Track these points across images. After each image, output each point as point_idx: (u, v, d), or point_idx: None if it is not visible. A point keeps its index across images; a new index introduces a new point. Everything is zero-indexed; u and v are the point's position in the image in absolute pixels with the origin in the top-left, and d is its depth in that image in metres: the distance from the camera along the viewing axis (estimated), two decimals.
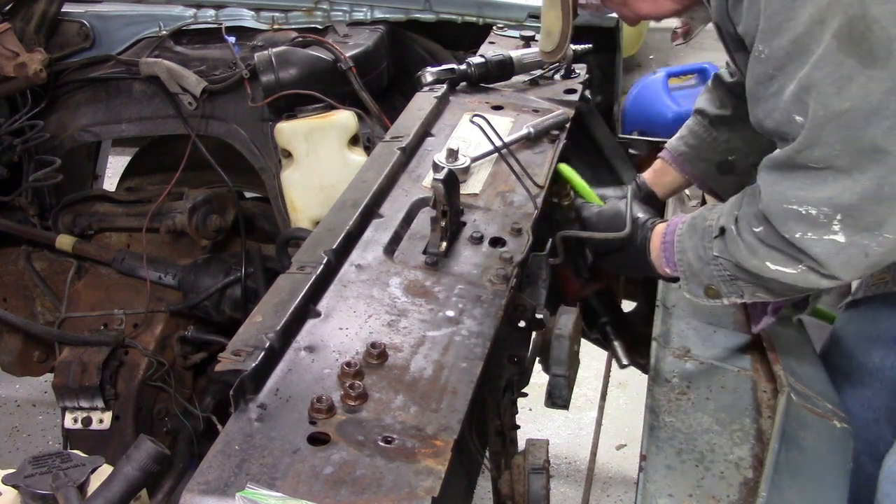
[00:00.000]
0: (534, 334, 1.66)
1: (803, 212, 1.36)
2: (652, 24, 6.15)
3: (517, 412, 1.75)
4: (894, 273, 1.80)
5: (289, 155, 2.43)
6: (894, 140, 1.27)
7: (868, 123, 1.27)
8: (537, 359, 1.62)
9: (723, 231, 1.52)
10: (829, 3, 1.26)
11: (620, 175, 2.54)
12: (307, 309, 1.46)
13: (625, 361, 2.12)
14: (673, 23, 1.90)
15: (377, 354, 1.36)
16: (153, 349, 2.63)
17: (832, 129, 1.30)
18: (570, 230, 1.81)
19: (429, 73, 2.28)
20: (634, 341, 2.15)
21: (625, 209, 1.75)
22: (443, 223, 1.63)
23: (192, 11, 2.75)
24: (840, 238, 1.34)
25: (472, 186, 1.88)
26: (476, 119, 1.85)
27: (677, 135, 2.06)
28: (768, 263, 1.44)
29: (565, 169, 1.94)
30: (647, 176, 2.08)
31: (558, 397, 1.58)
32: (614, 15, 1.98)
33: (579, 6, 1.74)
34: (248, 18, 2.74)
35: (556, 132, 2.09)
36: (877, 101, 1.26)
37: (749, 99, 1.48)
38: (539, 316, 1.60)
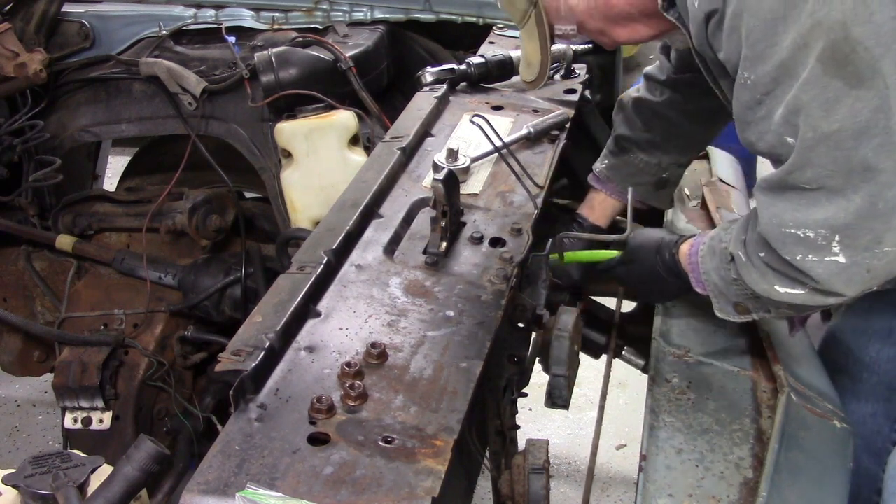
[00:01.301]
0: (534, 334, 1.65)
1: (801, 235, 1.35)
2: None
3: (517, 412, 1.75)
4: None
5: (289, 155, 2.43)
6: (885, 157, 1.27)
7: (858, 143, 1.27)
8: (537, 359, 1.62)
9: (733, 258, 1.52)
10: (810, 27, 1.26)
11: None
12: (307, 309, 1.46)
13: (642, 363, 2.12)
14: None
15: (377, 354, 1.36)
16: (153, 349, 2.62)
17: (822, 150, 1.30)
18: (570, 231, 1.81)
19: (429, 73, 2.28)
20: (629, 339, 2.14)
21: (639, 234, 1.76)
22: (443, 223, 1.63)
23: (192, 11, 2.75)
24: (841, 259, 1.34)
25: (472, 186, 1.88)
26: (476, 119, 1.85)
27: (605, 164, 2.07)
28: (777, 287, 1.44)
29: (574, 256, 1.87)
30: (585, 212, 2.08)
31: (558, 397, 1.58)
32: None
33: (556, 36, 1.74)
34: (248, 18, 2.74)
35: (556, 132, 2.09)
36: (865, 120, 1.26)
37: (737, 123, 1.48)
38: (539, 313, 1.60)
